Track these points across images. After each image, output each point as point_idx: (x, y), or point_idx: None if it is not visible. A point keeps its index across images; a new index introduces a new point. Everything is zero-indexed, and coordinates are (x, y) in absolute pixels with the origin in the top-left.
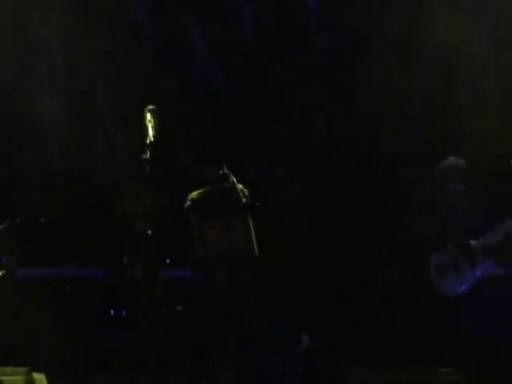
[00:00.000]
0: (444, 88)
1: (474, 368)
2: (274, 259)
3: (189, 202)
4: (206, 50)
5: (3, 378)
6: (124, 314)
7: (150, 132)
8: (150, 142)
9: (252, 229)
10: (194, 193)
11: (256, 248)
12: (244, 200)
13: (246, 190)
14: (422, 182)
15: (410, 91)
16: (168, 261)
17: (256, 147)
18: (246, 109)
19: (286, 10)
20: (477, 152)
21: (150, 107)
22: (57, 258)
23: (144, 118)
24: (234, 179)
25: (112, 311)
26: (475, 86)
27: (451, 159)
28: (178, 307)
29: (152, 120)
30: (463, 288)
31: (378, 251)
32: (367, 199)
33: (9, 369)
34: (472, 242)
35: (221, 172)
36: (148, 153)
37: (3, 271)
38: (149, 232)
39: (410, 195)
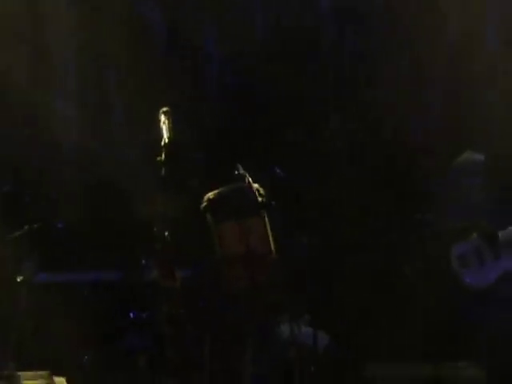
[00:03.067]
0: (458, 86)
1: (496, 362)
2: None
3: (205, 203)
4: (218, 48)
5: (24, 382)
6: (144, 316)
7: (165, 133)
8: (165, 143)
9: (268, 227)
10: (211, 193)
11: (273, 246)
12: (260, 199)
13: (261, 189)
14: (440, 175)
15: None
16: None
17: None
18: (259, 108)
19: (297, 9)
20: (494, 146)
21: (164, 109)
22: (75, 263)
23: (158, 119)
24: (250, 179)
25: (131, 314)
26: (489, 84)
27: (468, 154)
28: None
29: (166, 121)
30: (488, 279)
31: (394, 247)
32: (385, 192)
33: (29, 373)
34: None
35: (236, 172)
36: (163, 154)
37: (22, 276)
38: (166, 233)
39: (430, 188)
